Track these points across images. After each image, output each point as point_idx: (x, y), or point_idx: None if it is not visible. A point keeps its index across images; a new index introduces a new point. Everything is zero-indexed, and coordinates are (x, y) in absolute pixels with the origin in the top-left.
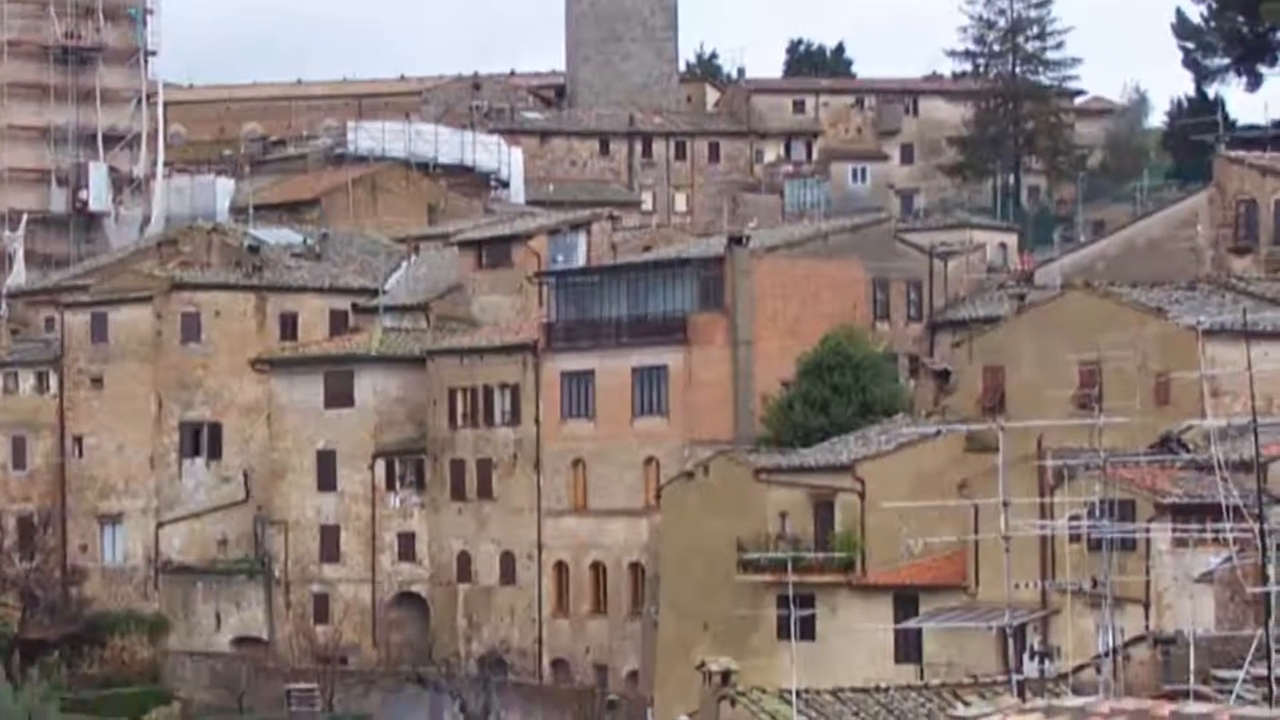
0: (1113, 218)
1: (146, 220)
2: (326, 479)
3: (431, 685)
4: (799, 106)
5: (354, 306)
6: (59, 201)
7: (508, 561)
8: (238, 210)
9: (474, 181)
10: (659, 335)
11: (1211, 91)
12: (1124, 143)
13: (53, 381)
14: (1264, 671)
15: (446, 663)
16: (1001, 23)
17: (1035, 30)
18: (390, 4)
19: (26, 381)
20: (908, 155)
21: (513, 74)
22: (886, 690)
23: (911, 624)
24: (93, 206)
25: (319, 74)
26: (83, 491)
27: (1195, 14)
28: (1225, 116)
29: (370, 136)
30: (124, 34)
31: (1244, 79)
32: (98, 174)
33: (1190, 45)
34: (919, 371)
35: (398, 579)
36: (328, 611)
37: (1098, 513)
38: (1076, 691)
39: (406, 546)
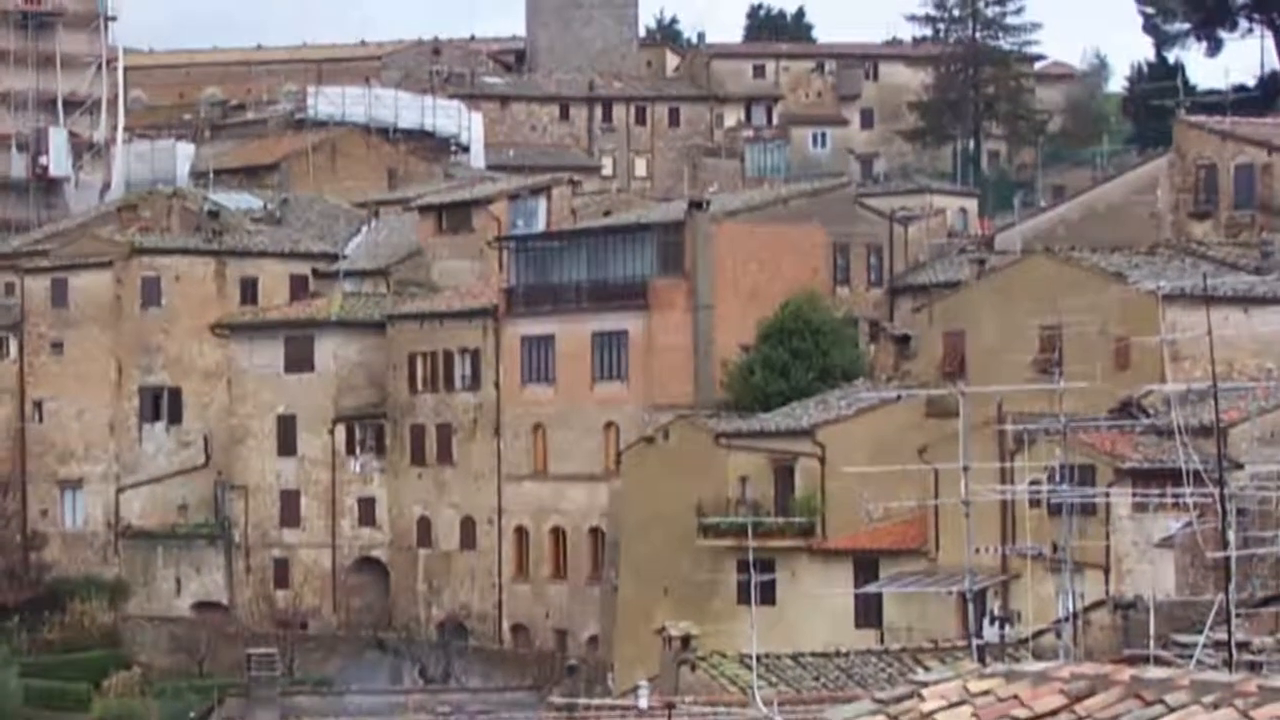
0: (1073, 183)
1: (106, 185)
2: (286, 444)
3: (391, 650)
4: (759, 71)
5: (314, 271)
6: (19, 167)
7: (468, 526)
8: (198, 175)
9: (434, 146)
10: (619, 300)
11: (1171, 56)
12: (1084, 108)
13: (13, 347)
14: (1224, 636)
15: (406, 628)
16: None
17: None
18: None
19: None
20: (868, 120)
21: (473, 39)
22: (846, 655)
23: (871, 589)
24: (53, 172)
25: (279, 39)
26: (43, 456)
27: None
28: (1185, 81)
29: (330, 101)
30: None
31: (1204, 44)
32: (58, 139)
33: (1150, 10)
34: (879, 336)
35: (358, 544)
36: (288, 576)
37: (1058, 477)
38: (1036, 656)
39: (367, 511)
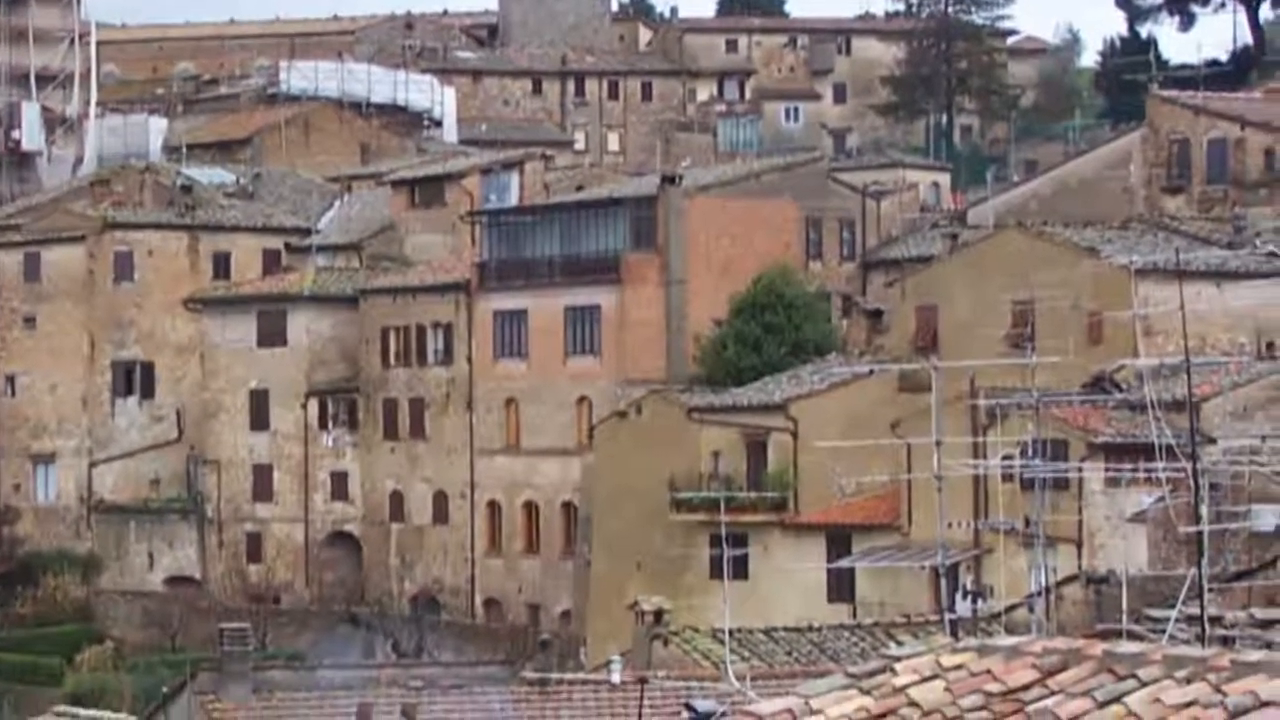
0: (1045, 157)
1: (79, 160)
2: (259, 418)
3: (364, 624)
4: (732, 46)
5: (287, 246)
6: None
7: (440, 501)
8: (170, 150)
9: (407, 121)
10: (592, 275)
11: (1144, 31)
12: (1057, 82)
13: None
14: (1196, 611)
15: (379, 602)
16: None
17: None
18: None
19: None
20: (840, 95)
21: (445, 13)
22: (819, 629)
23: (844, 563)
24: (25, 146)
25: (252, 13)
26: (15, 431)
27: None
28: (1158, 56)
29: (303, 76)
30: None
31: (1177, 18)
32: (30, 114)
33: None
34: (852, 311)
35: (330, 518)
36: (260, 551)
37: (1030, 452)
38: (1009, 631)
39: (339, 486)
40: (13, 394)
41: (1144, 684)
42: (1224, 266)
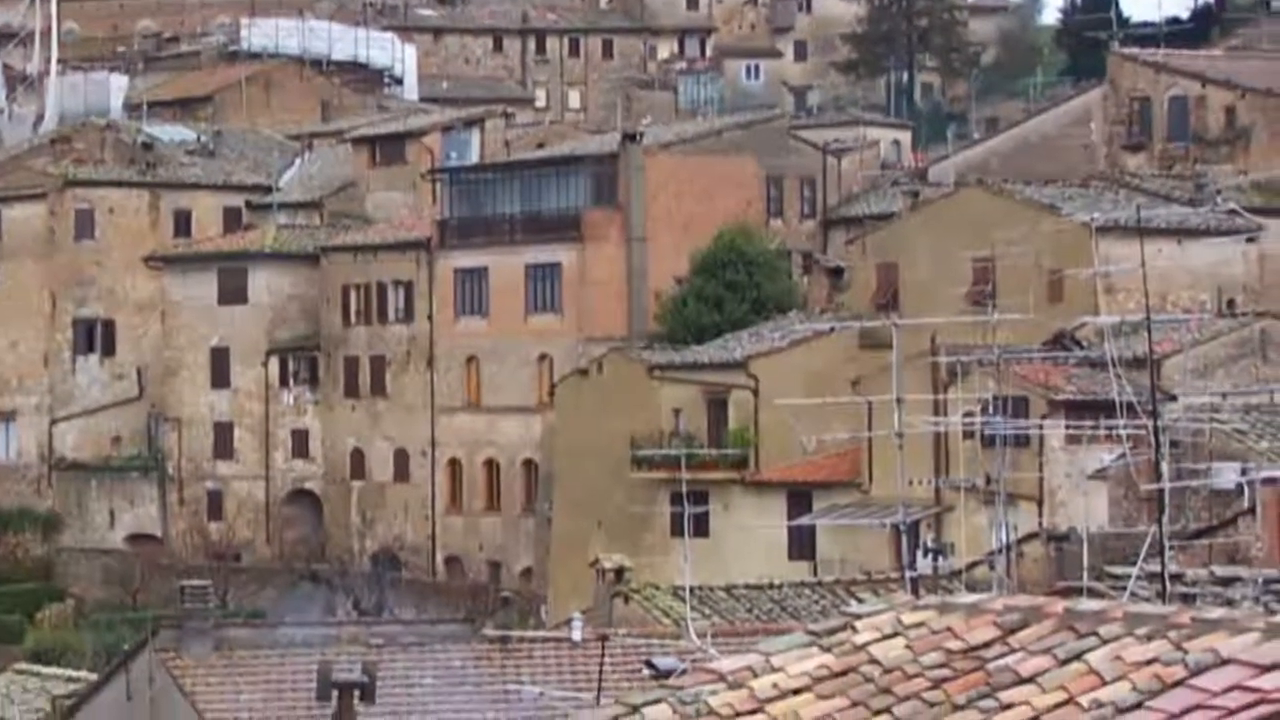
0: (1006, 115)
1: (40, 118)
2: (220, 376)
3: (325, 582)
4: (693, 3)
5: (247, 204)
6: None
7: (401, 458)
8: (131, 107)
9: (367, 78)
10: (553, 232)
11: None
12: (1017, 40)
13: None
14: (1157, 568)
15: (340, 560)
16: None
17: None
18: None
19: None
20: (801, 52)
21: None
22: (780, 587)
23: (805, 521)
24: None
25: None
26: None
27: None
28: (1119, 14)
29: (264, 33)
30: None
31: None
32: None
33: None
34: (812, 268)
35: (291, 476)
36: (221, 508)
37: (991, 409)
38: (970, 588)
39: (300, 443)
40: None
41: (1105, 641)
42: (1185, 224)
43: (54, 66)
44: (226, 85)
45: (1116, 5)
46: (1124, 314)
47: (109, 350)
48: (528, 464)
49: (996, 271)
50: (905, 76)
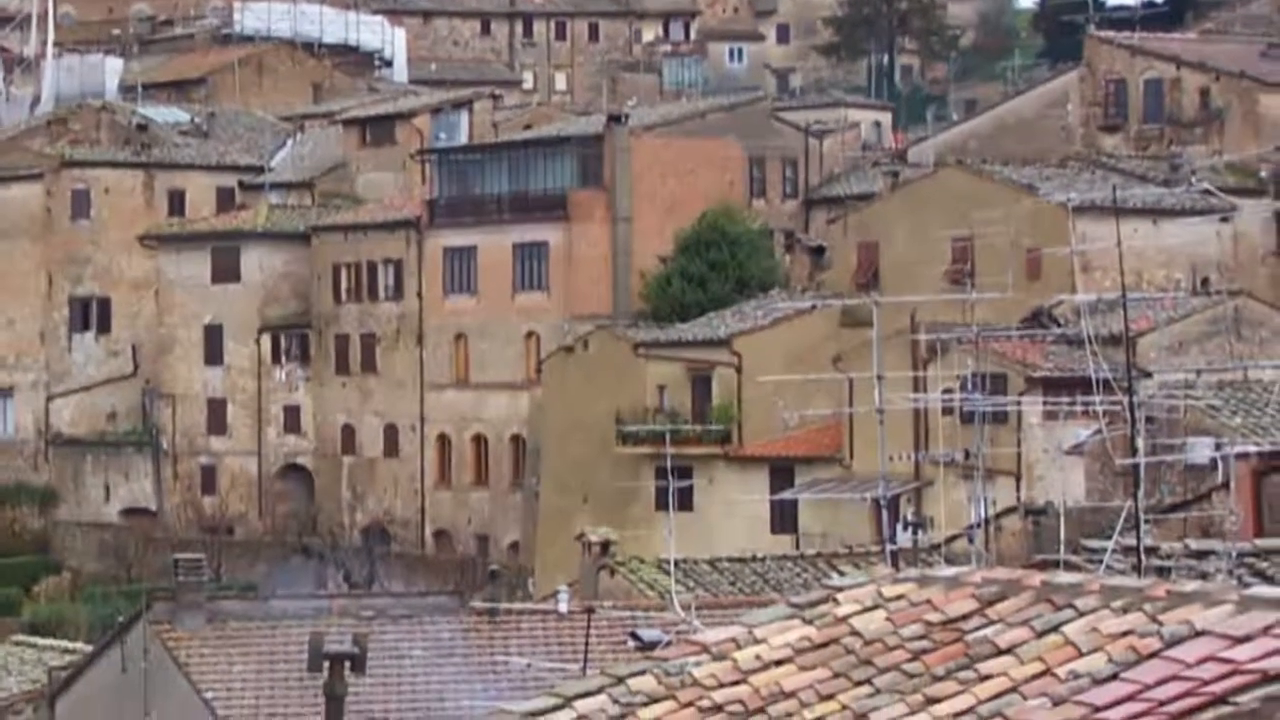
0: (985, 96)
1: (36, 99)
2: (214, 353)
3: (316, 555)
4: None
5: (240, 184)
6: None
7: (391, 434)
8: (126, 89)
9: (358, 61)
10: (540, 212)
11: None
12: (995, 23)
13: None
14: (1132, 542)
15: (331, 533)
16: None
17: None
18: None
19: None
20: (784, 35)
21: None
22: (763, 560)
23: (787, 495)
24: None
25: None
26: None
27: None
28: None
29: (256, 16)
30: None
31: None
32: None
33: None
34: (794, 248)
35: (283, 451)
36: (215, 483)
37: (970, 386)
38: (949, 561)
39: (292, 419)
40: None
41: (1081, 614)
42: (1160, 204)
43: (50, 49)
44: (220, 67)
45: None
46: (1100, 292)
47: (104, 328)
48: (515, 439)
49: (975, 250)
50: (885, 59)
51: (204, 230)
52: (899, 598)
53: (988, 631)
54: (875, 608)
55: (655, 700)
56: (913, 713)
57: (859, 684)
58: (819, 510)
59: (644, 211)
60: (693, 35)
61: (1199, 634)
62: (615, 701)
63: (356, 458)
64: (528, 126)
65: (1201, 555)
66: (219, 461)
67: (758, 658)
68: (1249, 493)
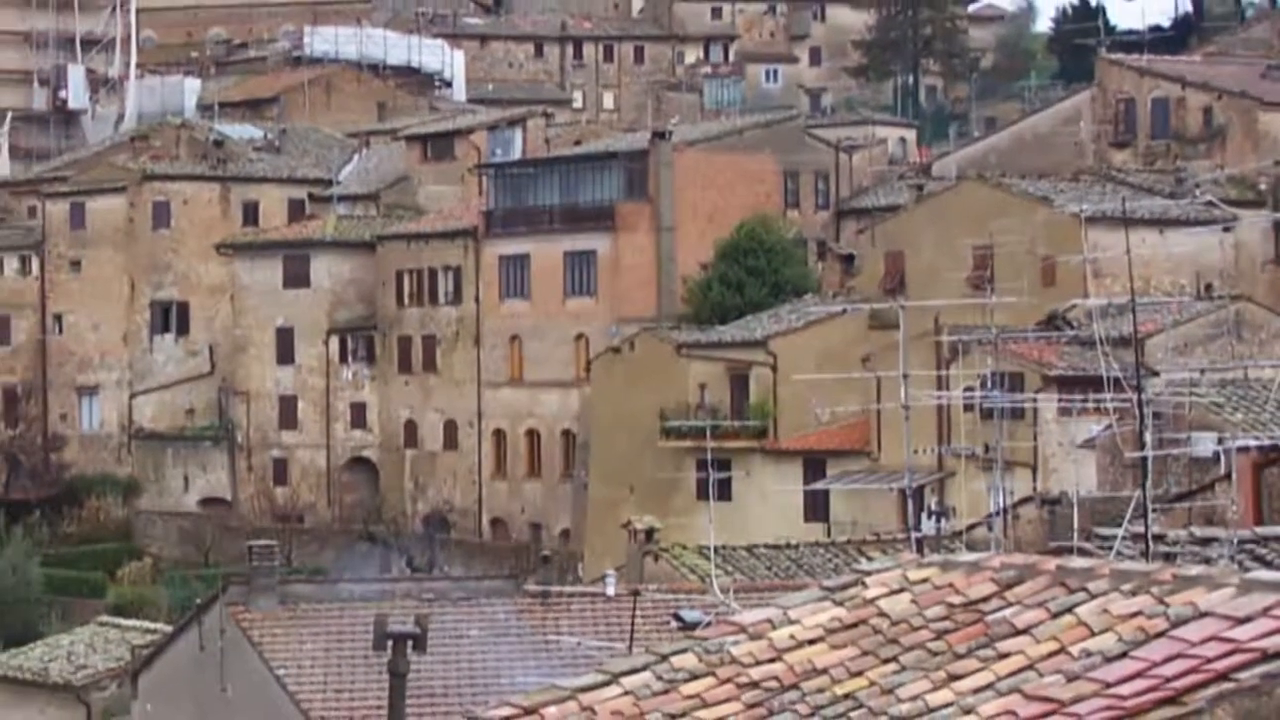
0: (1003, 114)
1: (120, 117)
2: (285, 353)
3: (381, 542)
4: (717, 13)
5: (310, 196)
6: (41, 100)
7: (450, 429)
8: (204, 108)
9: (420, 81)
10: (589, 222)
11: None
12: (1013, 46)
13: (35, 265)
14: (1141, 530)
15: (395, 521)
16: None
17: None
18: None
19: (11, 265)
20: (816, 58)
21: None
22: (796, 546)
23: (819, 486)
24: (72, 105)
25: None
26: (62, 365)
27: None
28: (1106, 22)
29: (325, 40)
30: None
31: None
32: (76, 75)
33: None
34: (826, 255)
35: (350, 445)
36: (286, 474)
37: (989, 384)
38: (970, 547)
39: (358, 415)
40: (60, 331)
41: (1093, 596)
42: (1166, 215)
43: (133, 71)
44: (291, 87)
45: (1104, 14)
46: (1111, 297)
47: (183, 330)
48: (566, 434)
49: (994, 258)
50: (911, 80)
51: (276, 239)
52: (923, 581)
53: (1006, 613)
54: (901, 591)
55: (696, 677)
56: (936, 689)
57: (886, 661)
58: (849, 500)
59: (686, 221)
60: (731, 57)
61: (1203, 615)
62: (659, 678)
63: (418, 451)
64: (577, 142)
65: (1205, 542)
66: (290, 454)
67: (792, 637)
68: (1249, 484)
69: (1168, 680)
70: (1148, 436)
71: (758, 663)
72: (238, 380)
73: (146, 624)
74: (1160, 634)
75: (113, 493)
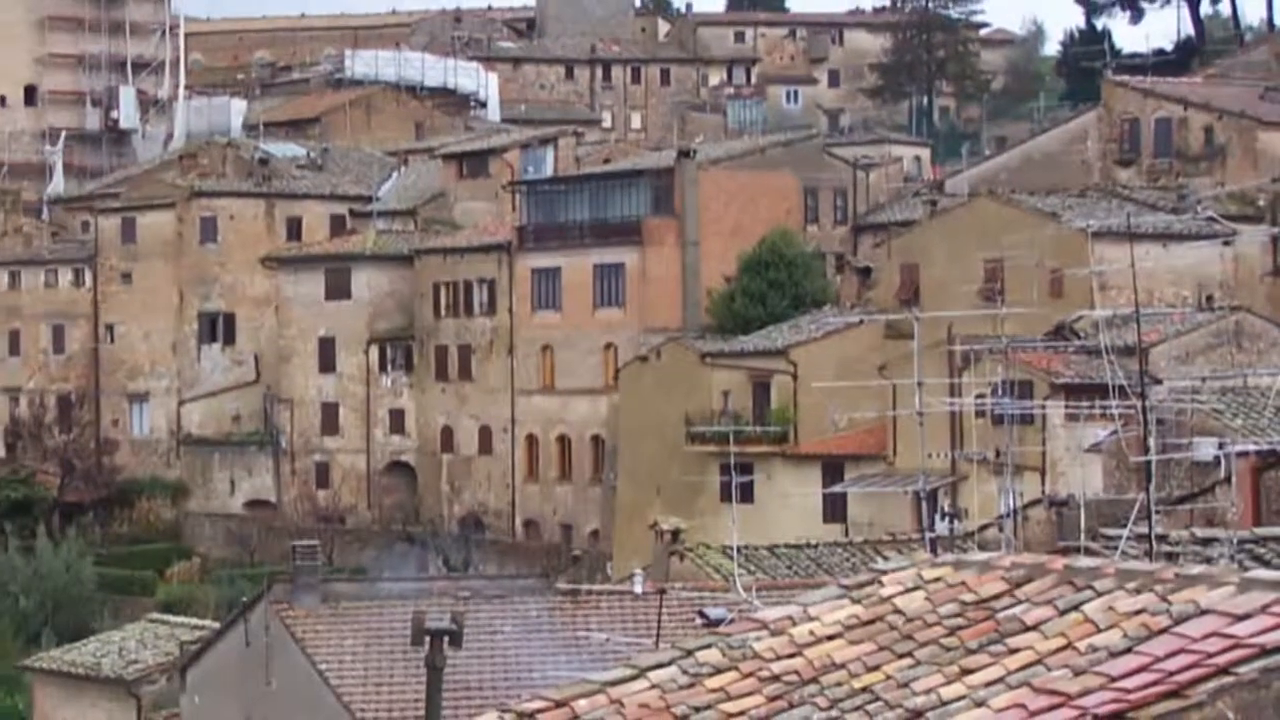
0: (1013, 134)
1: (169, 136)
2: (327, 362)
3: (419, 542)
4: (739, 37)
5: (351, 211)
6: (93, 120)
7: (485, 434)
8: (249, 127)
9: (455, 102)
10: (617, 236)
11: (1100, 23)
12: (1023, 69)
13: (88, 277)
14: (1145, 530)
15: (432, 522)
16: None
17: None
18: None
19: (65, 277)
20: (834, 80)
21: (489, 8)
22: (815, 546)
23: (837, 488)
24: (123, 124)
25: (320, 8)
26: (114, 373)
27: None
28: (1111, 46)
29: (365, 63)
30: None
31: (1128, 13)
32: (127, 96)
33: None
34: (844, 268)
35: (389, 449)
36: (328, 478)
37: (1000, 391)
38: (982, 547)
39: (397, 421)
40: (112, 341)
41: (1099, 594)
42: (1169, 229)
43: (182, 92)
44: (332, 108)
45: (1109, 38)
46: (1116, 308)
47: (229, 340)
48: (595, 439)
49: (1005, 271)
50: (925, 101)
51: (318, 253)
52: (937, 580)
53: (1016, 610)
54: (916, 589)
55: (720, 671)
56: (949, 682)
57: (901, 657)
58: (866, 502)
59: (710, 236)
60: (753, 80)
61: (1204, 612)
62: (684, 672)
63: (454, 455)
64: (606, 161)
65: (1206, 542)
66: (332, 459)
67: (811, 633)
68: (1248, 486)
69: (1170, 674)
70: (1151, 441)
71: (779, 657)
72: (282, 388)
73: (194, 621)
74: (1163, 630)
75: (162, 495)
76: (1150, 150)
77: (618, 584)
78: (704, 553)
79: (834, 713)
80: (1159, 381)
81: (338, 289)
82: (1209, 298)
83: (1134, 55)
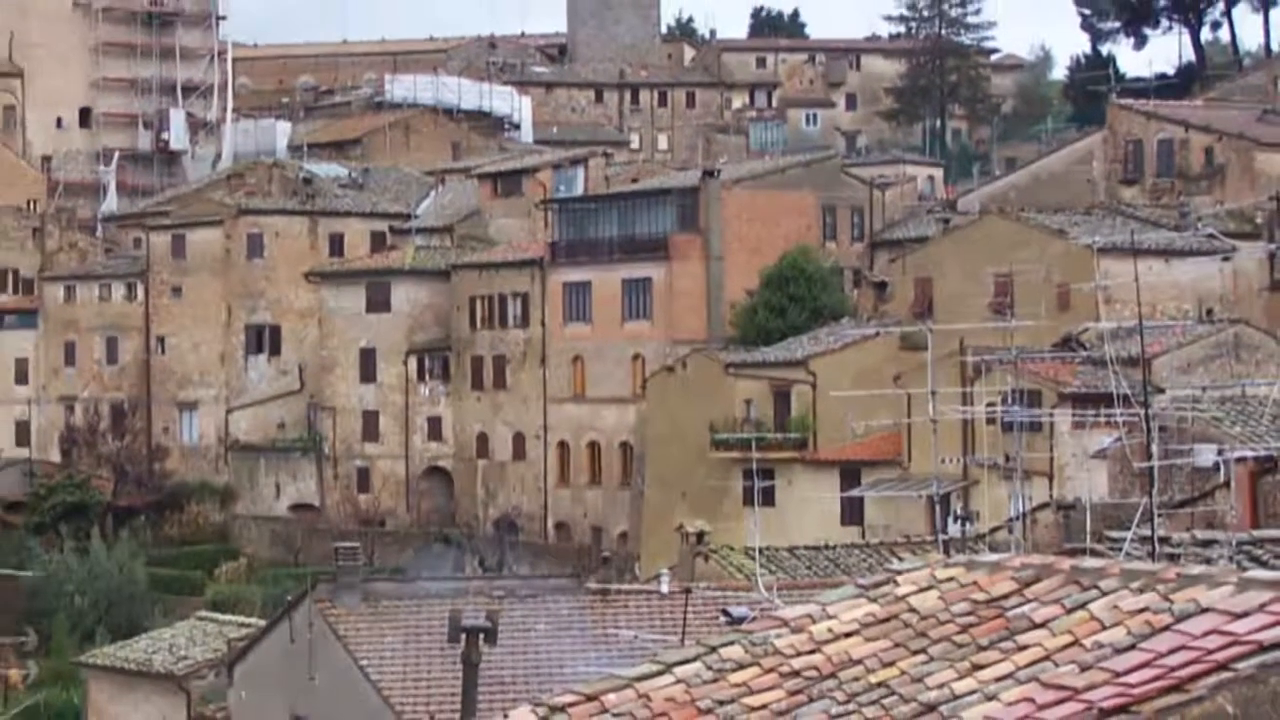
0: (1022, 155)
1: (218, 157)
2: (368, 372)
3: (455, 544)
4: (761, 62)
5: (390, 228)
6: (145, 141)
7: (519, 441)
8: (294, 148)
9: (491, 124)
10: (645, 252)
11: (1105, 49)
12: (1032, 92)
13: (140, 291)
14: (1148, 533)
15: (468, 525)
16: None
17: None
18: None
19: (118, 291)
20: (852, 103)
21: (523, 35)
22: (834, 548)
23: (855, 493)
24: (173, 145)
25: (361, 34)
26: (164, 383)
27: None
28: (1116, 71)
29: (404, 87)
30: (199, 0)
31: (1132, 39)
32: (177, 118)
33: (1087, 10)
34: (861, 283)
35: (427, 455)
36: (369, 482)
37: (1010, 400)
38: (992, 549)
39: (434, 428)
40: (163, 352)
41: (1104, 593)
42: (1171, 246)
43: (229, 114)
44: (373, 130)
45: (1114, 64)
46: (1120, 321)
47: (275, 350)
48: (624, 445)
49: (1014, 285)
50: (938, 123)
51: (360, 268)
52: (949, 580)
53: (1025, 609)
54: (929, 588)
55: (743, 667)
56: (961, 677)
57: (915, 653)
58: (882, 506)
59: (733, 252)
60: (774, 103)
61: (1204, 611)
62: (709, 668)
63: (489, 461)
64: (634, 180)
65: (1206, 544)
66: (372, 464)
67: (830, 631)
68: (1247, 491)
69: (1172, 670)
70: (1154, 448)
71: (799, 654)
72: (325, 396)
73: (241, 619)
74: (1165, 628)
75: (211, 499)
76: (1153, 170)
77: (645, 584)
78: (727, 554)
79: (851, 706)
80: (1161, 391)
81: (378, 302)
82: (1209, 311)
83: (1137, 80)
